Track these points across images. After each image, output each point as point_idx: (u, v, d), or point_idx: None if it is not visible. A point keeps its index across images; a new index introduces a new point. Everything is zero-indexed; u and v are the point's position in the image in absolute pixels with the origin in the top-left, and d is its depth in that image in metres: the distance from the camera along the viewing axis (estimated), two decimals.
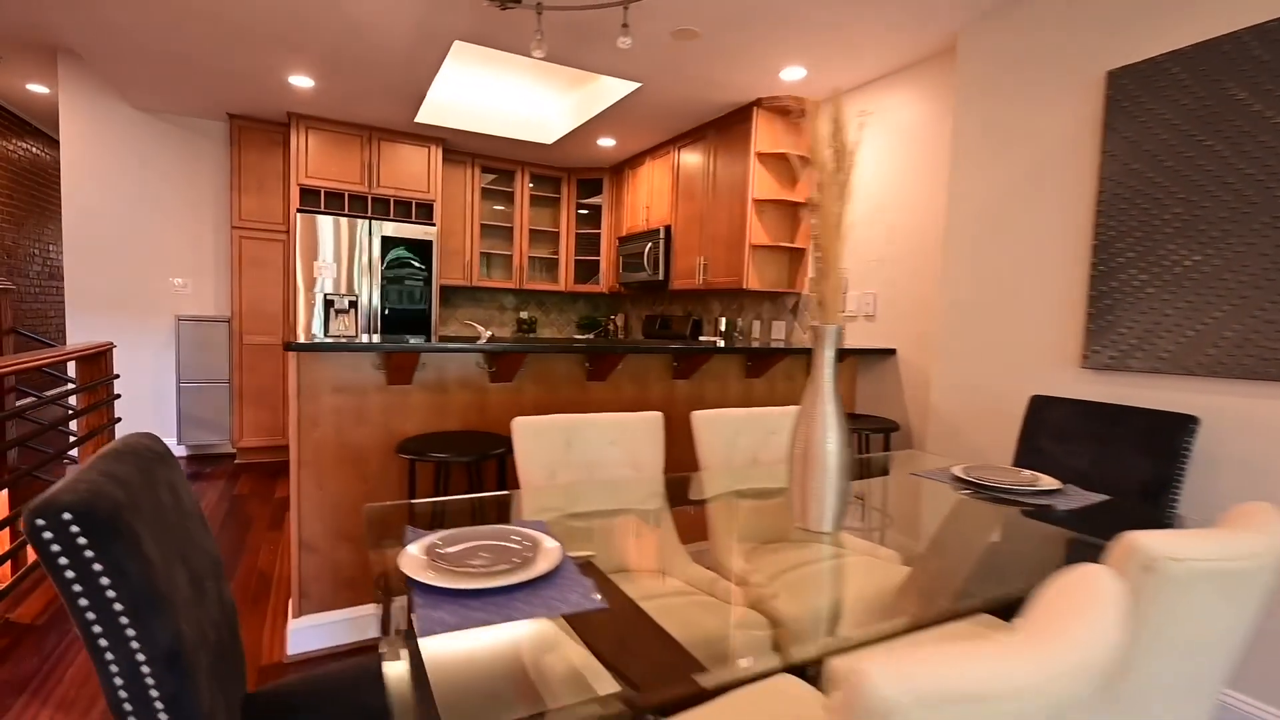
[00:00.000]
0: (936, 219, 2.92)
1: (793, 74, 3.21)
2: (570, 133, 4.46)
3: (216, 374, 4.50)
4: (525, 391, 2.49)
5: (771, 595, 1.05)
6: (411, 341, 2.19)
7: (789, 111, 3.65)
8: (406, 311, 4.55)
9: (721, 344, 3.87)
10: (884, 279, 3.19)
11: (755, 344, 3.78)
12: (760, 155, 3.65)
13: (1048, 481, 1.68)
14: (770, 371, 3.05)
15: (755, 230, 3.67)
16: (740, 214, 3.73)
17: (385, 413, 2.23)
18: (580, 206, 5.68)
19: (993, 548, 1.31)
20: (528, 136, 4.62)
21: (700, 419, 2.00)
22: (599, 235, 5.53)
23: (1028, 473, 1.75)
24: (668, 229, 4.45)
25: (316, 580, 2.15)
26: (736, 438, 2.07)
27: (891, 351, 3.11)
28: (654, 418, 1.92)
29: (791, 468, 1.39)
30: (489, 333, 3.40)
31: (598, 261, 5.59)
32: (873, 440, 3.08)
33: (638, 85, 3.44)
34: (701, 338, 4.40)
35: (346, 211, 4.39)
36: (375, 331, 4.45)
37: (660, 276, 4.47)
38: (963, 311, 2.63)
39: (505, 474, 2.20)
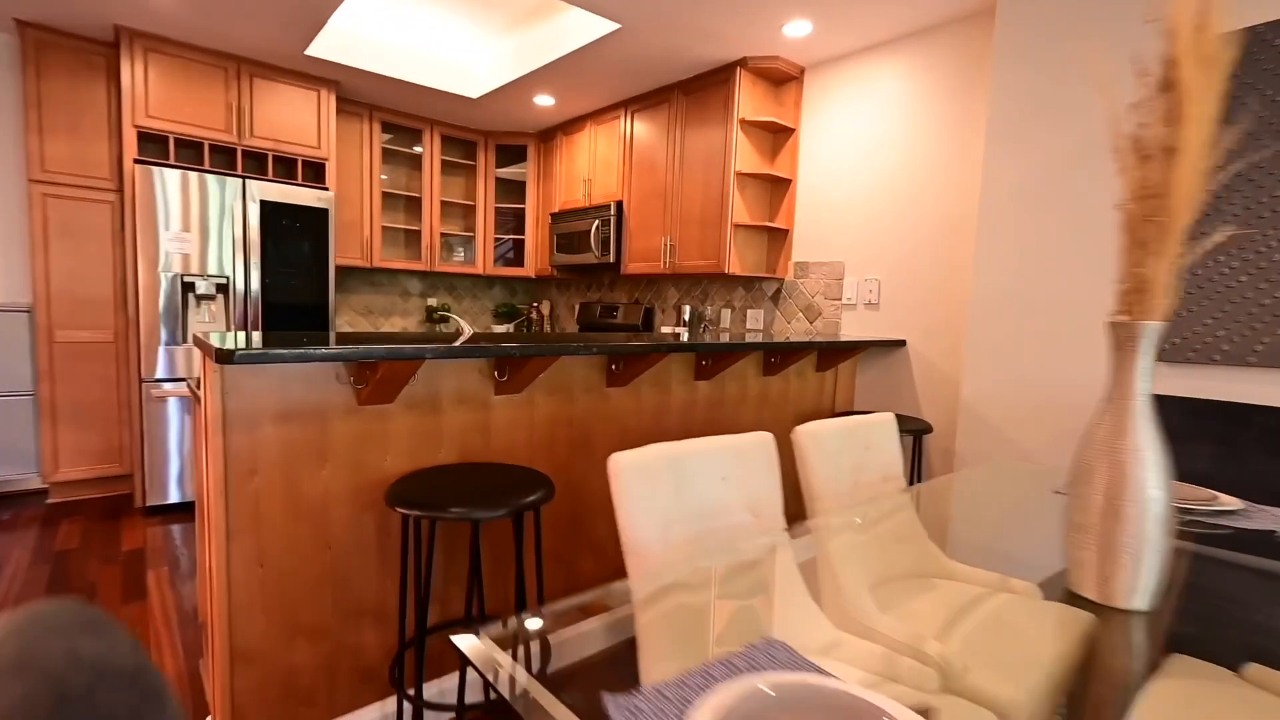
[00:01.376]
0: (959, 198, 2.71)
1: (797, 29, 2.84)
2: (504, 86, 3.77)
3: (14, 384, 3.27)
4: (538, 405, 1.90)
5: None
6: (331, 337, 1.53)
7: (777, 76, 3.29)
8: (297, 299, 3.61)
9: (685, 335, 3.46)
10: (890, 262, 2.96)
11: (726, 335, 3.41)
12: (744, 123, 3.26)
13: (1228, 500, 1.46)
14: (785, 370, 2.69)
15: (737, 208, 3.28)
16: (718, 189, 3.32)
17: (358, 445, 1.55)
18: (500, 177, 4.95)
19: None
20: (449, 87, 3.85)
21: (807, 438, 1.57)
22: (523, 211, 4.85)
23: (1205, 490, 1.53)
24: (619, 205, 3.93)
25: (259, 701, 1.44)
26: (839, 457, 1.67)
27: (901, 343, 2.88)
28: (766, 441, 1.46)
29: (1075, 516, 1.01)
30: (468, 329, 2.66)
31: (522, 241, 4.91)
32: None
33: (615, 27, 2.88)
34: (665, 329, 3.95)
35: (207, 166, 3.36)
36: (254, 326, 3.47)
37: (610, 259, 3.94)
38: (1000, 299, 2.44)
39: (539, 531, 1.61)
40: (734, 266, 3.32)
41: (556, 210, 4.51)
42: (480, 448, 1.78)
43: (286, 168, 3.82)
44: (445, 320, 4.80)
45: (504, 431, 1.82)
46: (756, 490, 1.43)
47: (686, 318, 3.78)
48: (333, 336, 1.61)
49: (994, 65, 2.43)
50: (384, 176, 4.45)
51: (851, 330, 3.12)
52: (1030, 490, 1.73)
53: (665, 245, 3.64)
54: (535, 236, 4.77)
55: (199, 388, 1.58)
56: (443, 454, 1.70)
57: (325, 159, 3.77)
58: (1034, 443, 2.37)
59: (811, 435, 1.58)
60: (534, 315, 5.16)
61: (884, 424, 1.77)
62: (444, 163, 4.65)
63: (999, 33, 2.42)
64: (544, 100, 3.98)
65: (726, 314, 3.72)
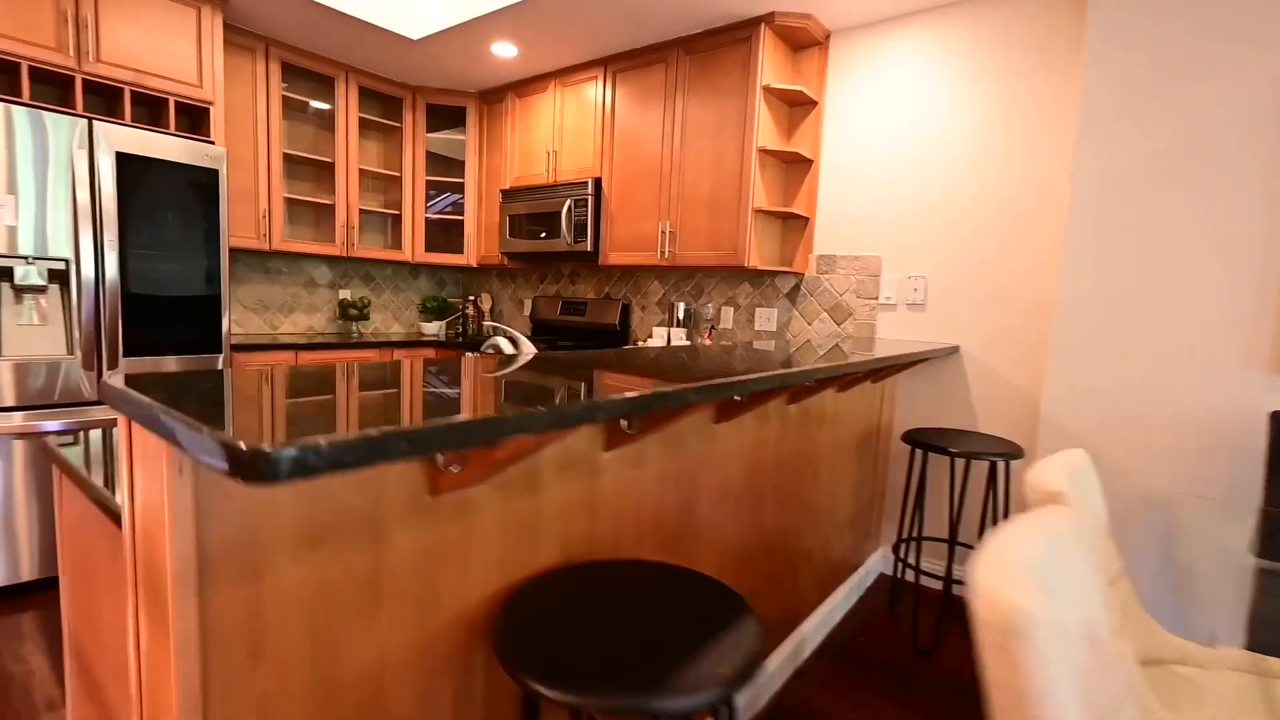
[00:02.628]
0: (1028, 188, 2.43)
1: None
2: (455, 27, 3.01)
3: None
4: (648, 459, 1.30)
5: None
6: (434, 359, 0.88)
7: (801, 39, 2.84)
8: (173, 290, 2.64)
9: (683, 337, 2.97)
10: (938, 259, 2.63)
11: (701, 332, 2.96)
12: (768, 91, 2.79)
13: None
14: (855, 385, 2.27)
15: (758, 190, 2.81)
16: (734, 167, 2.83)
17: (429, 563, 0.89)
18: (433, 144, 4.11)
19: None
20: (381, 21, 3.01)
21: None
22: (461, 185, 4.06)
23: None
24: (597, 183, 3.32)
25: None
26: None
27: (954, 349, 2.57)
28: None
29: None
30: (525, 342, 1.82)
31: (460, 222, 4.12)
32: (975, 470, 2.43)
33: None
34: (658, 334, 3.40)
35: (27, 100, 2.32)
36: (109, 328, 2.47)
37: (588, 246, 3.32)
38: (1090, 303, 2.18)
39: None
40: (754, 259, 2.85)
41: (509, 186, 3.78)
42: (585, 534, 1.16)
43: (151, 111, 2.79)
44: (363, 319, 3.90)
45: (611, 503, 1.22)
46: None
47: (681, 317, 3.26)
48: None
49: (1089, 40, 2.14)
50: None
51: (890, 334, 2.78)
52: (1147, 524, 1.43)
53: (663, 232, 3.09)
54: (478, 217, 4.01)
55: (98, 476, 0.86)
56: (543, 552, 1.07)
57: (208, 103, 2.80)
58: (1132, 464, 2.13)
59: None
60: (470, 311, 4.38)
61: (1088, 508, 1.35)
62: (362, 122, 3.75)
63: (1092, 9, 2.13)
64: (504, 49, 3.26)
65: (729, 313, 3.25)
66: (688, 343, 3.03)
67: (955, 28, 2.55)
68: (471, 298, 4.38)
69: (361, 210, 3.76)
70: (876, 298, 2.80)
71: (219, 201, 2.73)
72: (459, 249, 4.15)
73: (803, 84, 2.91)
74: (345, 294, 3.99)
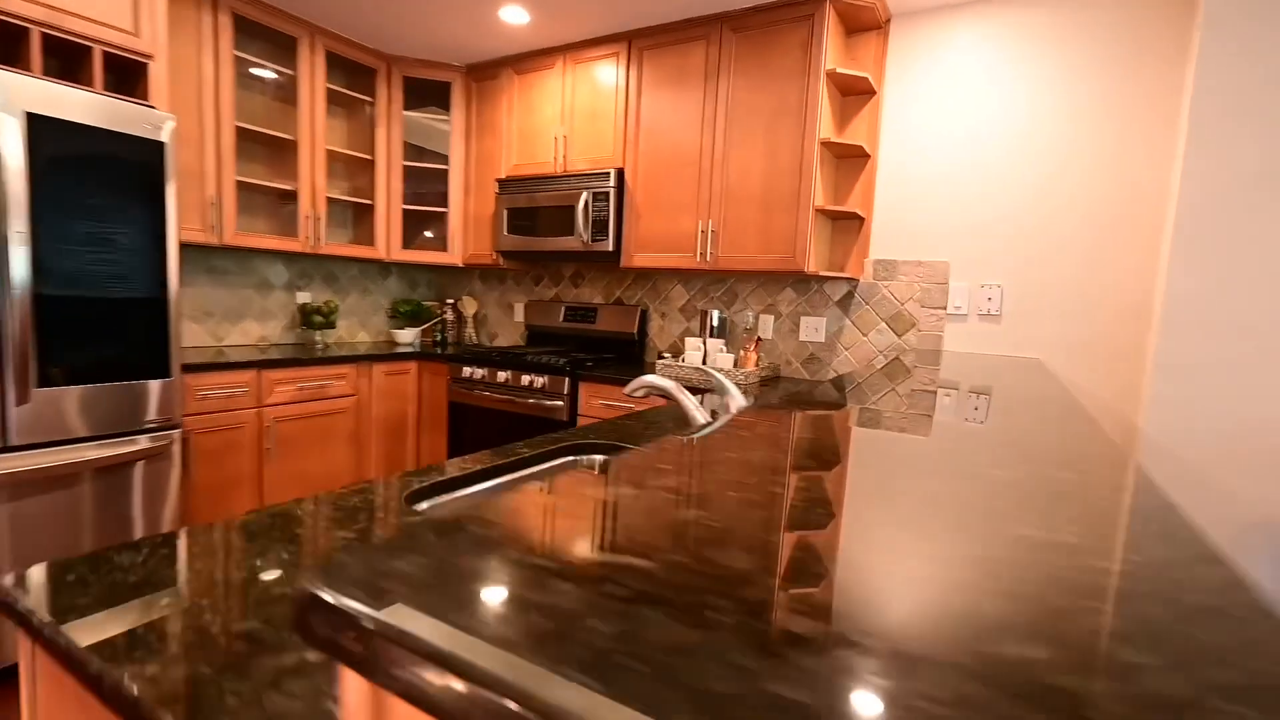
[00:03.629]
0: (1119, 189, 2.25)
1: None
2: None
3: None
4: None
5: None
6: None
7: (861, 21, 2.56)
8: (104, 293, 2.03)
9: (722, 350, 2.67)
10: (1017, 264, 2.43)
11: (747, 344, 2.66)
12: (831, 76, 2.49)
13: None
14: None
15: (818, 187, 2.52)
16: (791, 160, 2.52)
17: None
18: (412, 124, 3.57)
19: None
20: None
21: None
22: (445, 173, 3.54)
23: None
24: (619, 175, 2.92)
25: None
26: None
27: (1034, 363, 2.38)
28: None
29: None
30: (735, 394, 1.29)
31: (443, 215, 3.60)
32: None
33: None
34: (691, 350, 3.05)
35: None
36: (18, 348, 1.85)
37: (609, 246, 2.92)
38: (1199, 314, 2.02)
39: None
40: (813, 263, 2.55)
41: (506, 175, 3.31)
42: None
43: (67, 64, 2.16)
44: (329, 326, 3.32)
45: None
46: None
47: (716, 326, 2.93)
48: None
49: (1201, 40, 1.98)
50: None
51: (959, 346, 2.56)
52: None
53: (703, 231, 2.74)
54: (465, 209, 3.50)
55: None
56: None
57: (146, 56, 2.20)
58: (1243, 483, 1.99)
59: None
60: (449, 317, 3.86)
61: None
62: (330, 95, 3.16)
63: (1207, 6, 1.96)
64: (514, 14, 2.80)
65: (769, 322, 2.95)
66: (730, 355, 2.71)
67: (1034, 18, 2.35)
68: (451, 301, 3.86)
69: (329, 199, 3.18)
70: (944, 307, 2.57)
71: (164, 180, 2.13)
72: (441, 246, 3.63)
73: (860, 71, 2.64)
74: (305, 297, 3.39)
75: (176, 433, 2.20)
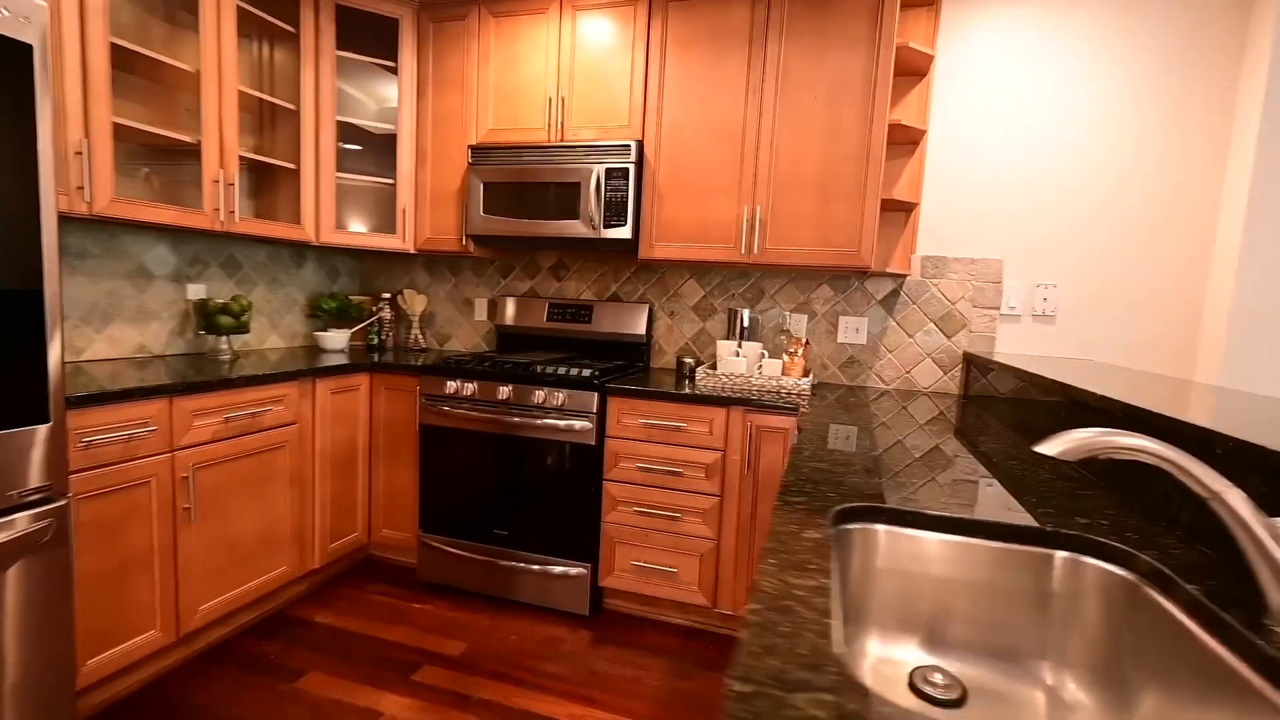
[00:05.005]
0: (1182, 187, 2.25)
1: None
2: None
3: None
4: None
5: None
6: None
7: None
8: None
9: (760, 354, 2.38)
10: (1070, 265, 2.37)
11: (792, 348, 2.40)
12: (901, 50, 2.24)
13: None
14: None
15: (884, 172, 2.27)
16: (858, 143, 2.25)
17: None
18: (346, 66, 2.79)
19: None
20: None
21: None
22: (392, 136, 2.81)
23: None
24: (639, 149, 2.46)
25: None
26: None
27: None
28: None
29: None
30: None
31: (390, 187, 2.87)
32: None
33: None
34: (723, 360, 2.66)
35: None
36: None
37: (626, 234, 2.45)
38: (1271, 314, 2.07)
39: None
40: (879, 260, 2.31)
41: (479, 142, 2.69)
42: None
43: None
44: (240, 330, 2.48)
45: None
46: None
47: (747, 326, 2.58)
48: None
49: (1275, 40, 2.00)
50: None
51: (1012, 348, 2.46)
52: None
53: (747, 220, 2.37)
54: (419, 182, 2.81)
55: None
56: None
57: None
58: None
59: None
60: (387, 315, 3.12)
61: None
62: (241, 15, 2.33)
63: None
64: None
65: (801, 321, 2.66)
66: (777, 362, 2.38)
67: (1087, 13, 2.28)
68: (388, 296, 3.12)
69: (242, 158, 2.36)
70: (998, 308, 2.45)
71: (33, 107, 1.34)
72: (388, 226, 2.90)
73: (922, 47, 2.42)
74: (200, 291, 2.51)
75: (66, 502, 1.41)
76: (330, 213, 2.67)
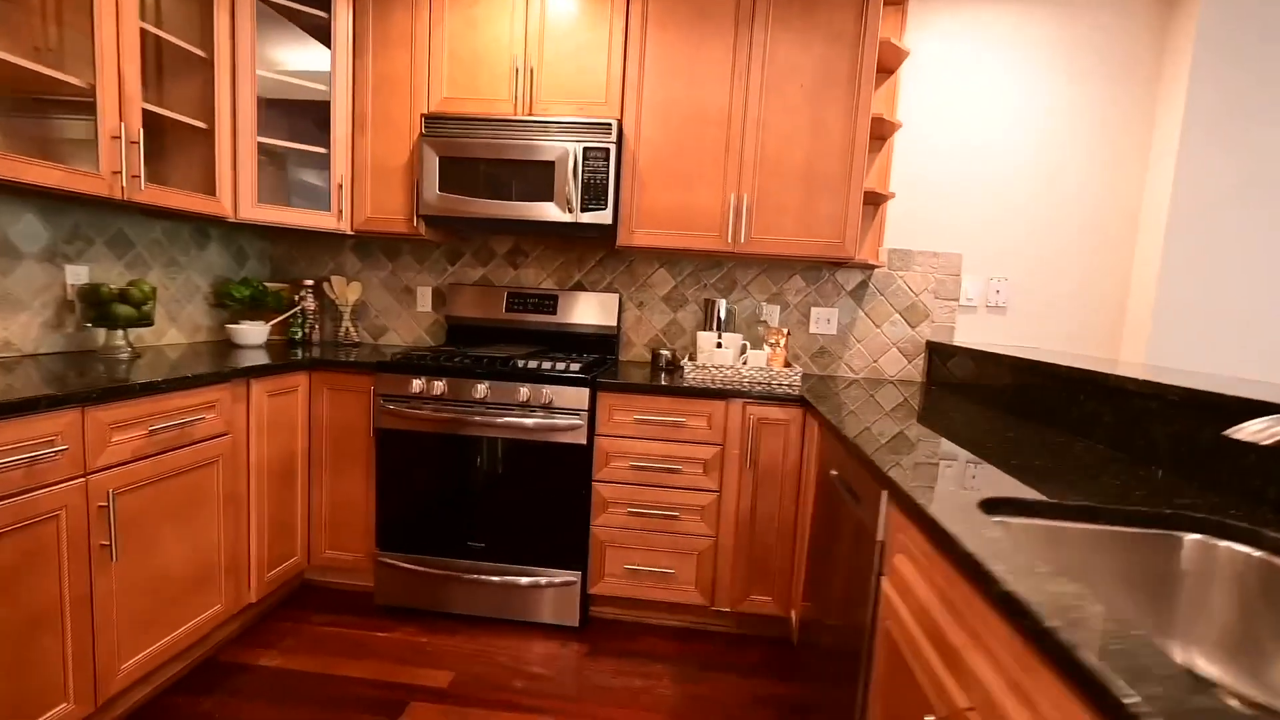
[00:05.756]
0: (1114, 192, 2.49)
1: None
2: None
3: None
4: None
5: None
6: None
7: None
8: None
9: (739, 345, 2.39)
10: (1022, 259, 2.55)
11: (773, 339, 2.42)
12: (884, 45, 2.28)
13: None
14: None
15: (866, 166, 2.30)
16: (843, 135, 2.27)
17: None
18: (271, 14, 2.37)
19: None
20: None
21: None
22: (325, 101, 2.44)
23: None
24: (618, 129, 2.32)
25: None
26: None
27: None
28: None
29: None
30: None
31: (323, 157, 2.49)
32: None
33: None
34: (708, 348, 2.57)
35: None
36: None
37: (607, 219, 2.30)
38: (1188, 308, 2.36)
39: None
40: (862, 251, 2.34)
41: (434, 111, 2.40)
42: None
43: None
44: (142, 322, 2.04)
45: None
46: None
47: (723, 317, 2.54)
48: None
49: (1195, 57, 2.27)
50: None
51: (969, 338, 2.62)
52: None
53: (734, 208, 2.32)
54: (356, 152, 2.47)
55: None
56: None
57: None
58: None
59: None
60: (310, 305, 2.73)
61: None
62: None
63: (1201, 25, 2.26)
64: None
65: (774, 312, 2.66)
66: (761, 353, 2.36)
67: (1039, 23, 2.46)
68: (310, 283, 2.73)
69: (145, 111, 1.92)
70: (957, 299, 2.60)
71: None
72: (319, 201, 2.52)
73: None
74: (80, 273, 2.03)
75: None
76: (251, 184, 2.27)
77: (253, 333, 2.49)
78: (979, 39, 2.49)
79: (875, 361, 2.65)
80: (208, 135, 2.16)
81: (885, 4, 2.47)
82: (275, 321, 2.65)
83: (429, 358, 2.22)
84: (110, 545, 1.49)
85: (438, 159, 2.35)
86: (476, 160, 2.33)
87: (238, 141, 2.22)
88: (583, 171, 2.28)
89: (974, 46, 2.49)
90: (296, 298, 2.72)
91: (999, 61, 2.49)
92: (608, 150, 2.27)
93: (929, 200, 2.57)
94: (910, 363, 2.64)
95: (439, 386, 2.14)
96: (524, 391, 2.11)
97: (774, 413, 2.09)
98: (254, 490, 2.01)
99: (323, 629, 2.11)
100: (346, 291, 2.76)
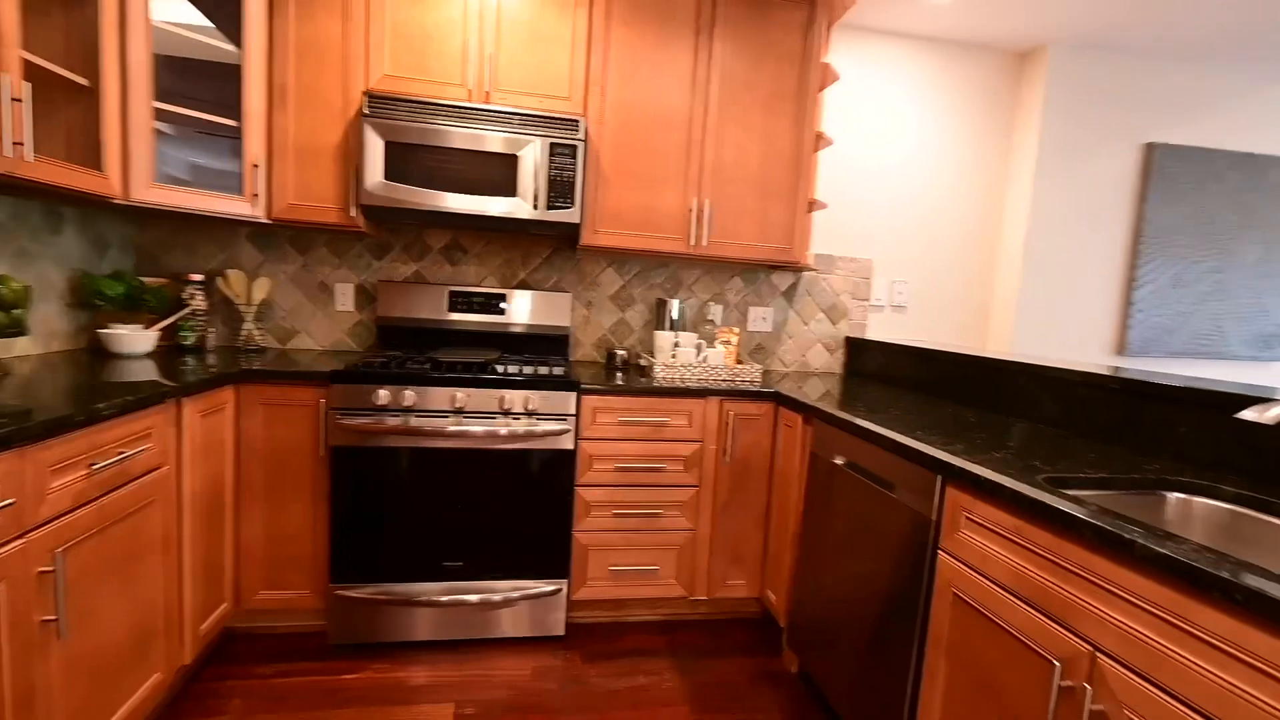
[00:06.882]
0: (985, 211, 2.98)
1: None
2: None
3: None
4: None
5: None
6: None
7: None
8: None
9: (696, 345, 2.57)
10: (918, 265, 2.96)
11: (726, 337, 2.62)
12: (824, 68, 2.50)
13: None
14: None
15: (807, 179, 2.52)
16: (791, 148, 2.46)
17: None
18: None
19: None
20: None
21: None
22: (235, 65, 2.06)
23: None
24: (581, 127, 2.27)
25: None
26: None
27: None
28: None
29: None
30: None
31: (236, 131, 2.10)
32: None
33: None
34: (668, 345, 2.58)
35: None
36: None
37: (574, 217, 2.25)
38: (1039, 302, 2.93)
39: None
40: (809, 257, 2.55)
41: (377, 89, 2.16)
42: None
43: None
44: (14, 330, 1.58)
45: None
46: None
47: (675, 317, 2.61)
48: None
49: (1044, 105, 2.82)
50: None
51: (878, 334, 2.98)
52: None
53: (695, 211, 2.40)
54: (277, 130, 2.14)
55: None
56: None
57: None
58: None
59: None
60: (200, 303, 2.31)
61: None
62: None
63: (1049, 88, 2.81)
64: None
65: (718, 311, 2.80)
66: (720, 350, 2.48)
67: (928, 64, 2.87)
68: (199, 278, 2.31)
69: (27, 62, 1.49)
70: (868, 299, 2.94)
71: None
72: (226, 184, 2.12)
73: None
74: None
75: None
76: (146, 157, 1.86)
77: (135, 339, 2.04)
78: (885, 71, 2.83)
79: (803, 356, 2.91)
80: (89, 95, 1.73)
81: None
82: (161, 325, 2.19)
83: (393, 364, 2.02)
84: (57, 620, 1.17)
85: (383, 143, 2.12)
86: (430, 148, 2.14)
87: (129, 105, 1.81)
88: (549, 168, 2.21)
89: (882, 77, 2.83)
90: (184, 296, 2.28)
91: (902, 92, 2.86)
92: (575, 147, 2.22)
93: (846, 211, 2.87)
94: (832, 355, 2.94)
95: (409, 396, 1.95)
96: (509, 398, 2.01)
97: (749, 408, 2.22)
98: (188, 530, 1.68)
99: (277, 681, 1.83)
100: (250, 289, 2.37)
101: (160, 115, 1.93)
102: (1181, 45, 2.73)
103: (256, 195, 2.10)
